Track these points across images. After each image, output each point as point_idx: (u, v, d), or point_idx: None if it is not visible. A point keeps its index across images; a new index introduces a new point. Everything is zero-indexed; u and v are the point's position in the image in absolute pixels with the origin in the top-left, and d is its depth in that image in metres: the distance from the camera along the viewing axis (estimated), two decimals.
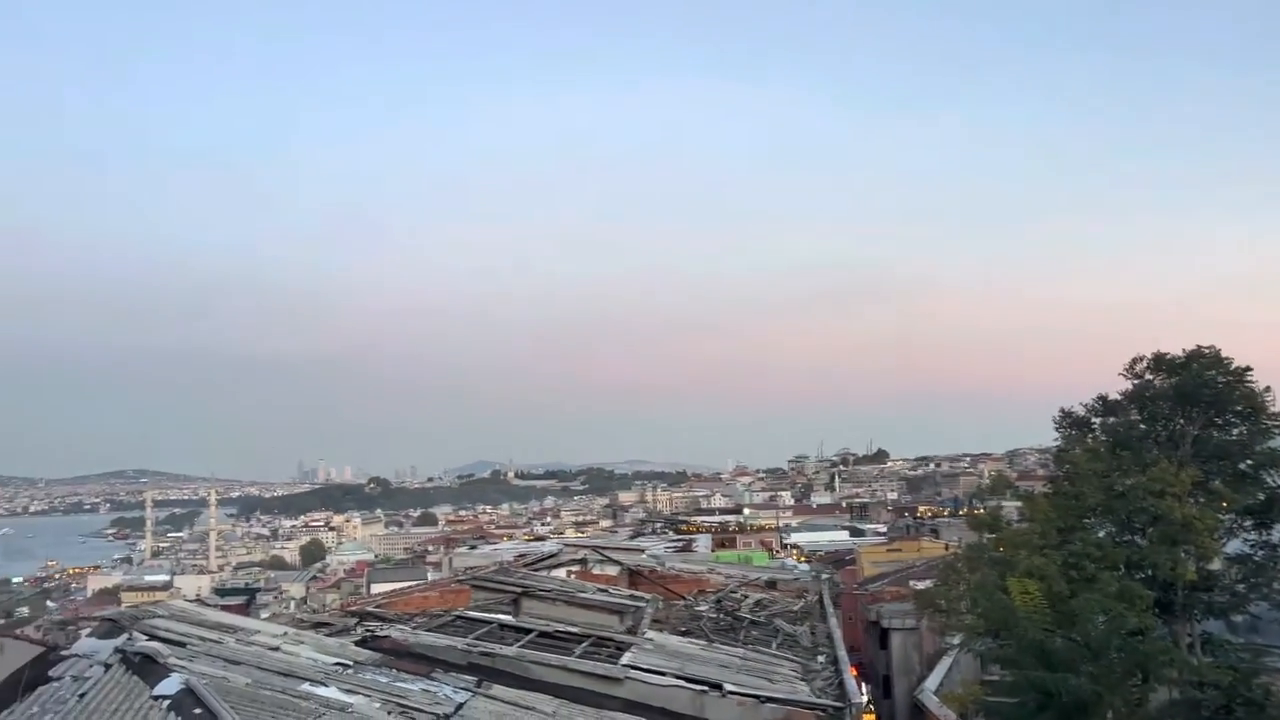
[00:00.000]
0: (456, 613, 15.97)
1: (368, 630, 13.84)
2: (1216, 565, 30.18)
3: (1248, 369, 31.17)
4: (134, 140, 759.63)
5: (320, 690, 9.40)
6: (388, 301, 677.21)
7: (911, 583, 37.78)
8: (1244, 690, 24.92)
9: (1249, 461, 31.07)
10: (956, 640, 28.24)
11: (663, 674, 12.66)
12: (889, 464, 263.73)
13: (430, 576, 55.14)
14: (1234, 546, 31.48)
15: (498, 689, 11.23)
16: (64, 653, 9.10)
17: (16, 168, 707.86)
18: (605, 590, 19.76)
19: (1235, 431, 31.40)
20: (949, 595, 28.51)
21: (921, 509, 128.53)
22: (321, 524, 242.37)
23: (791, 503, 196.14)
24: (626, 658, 13.32)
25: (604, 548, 30.23)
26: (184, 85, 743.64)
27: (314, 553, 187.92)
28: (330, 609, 22.96)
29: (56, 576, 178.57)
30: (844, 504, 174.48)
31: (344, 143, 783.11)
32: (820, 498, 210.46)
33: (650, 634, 16.05)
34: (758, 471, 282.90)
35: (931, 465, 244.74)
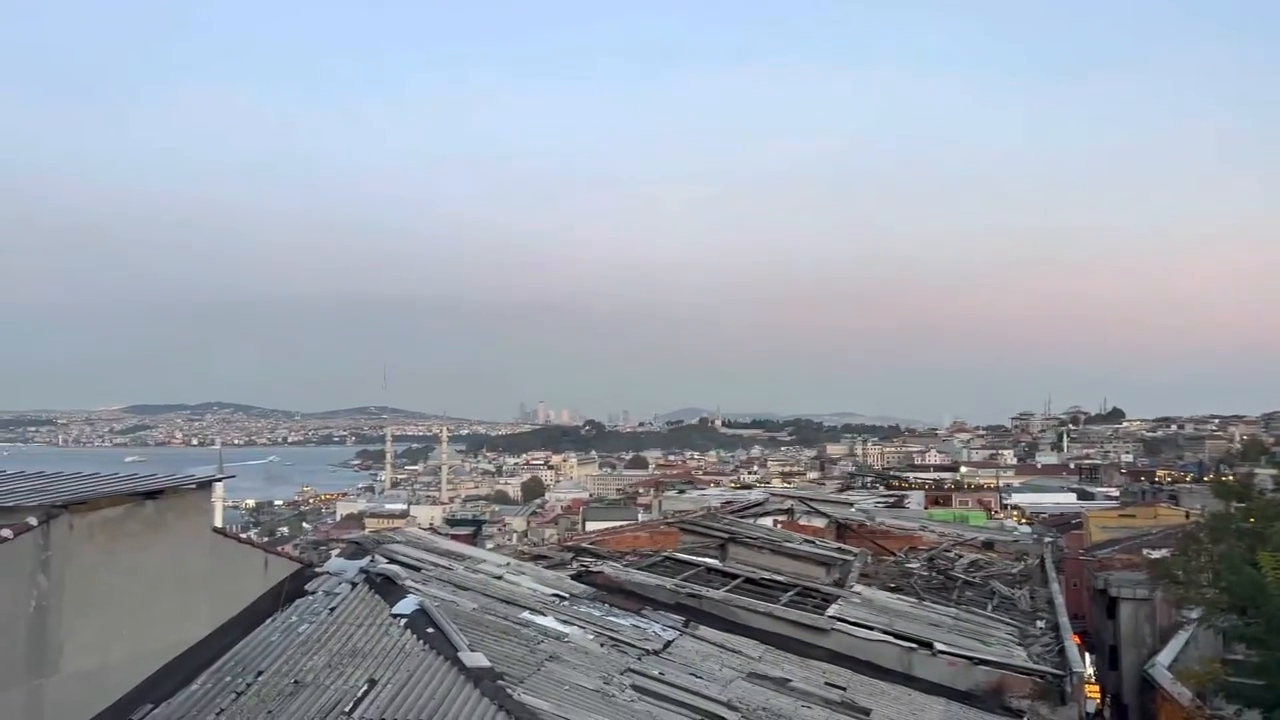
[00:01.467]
0: (666, 553, 16.43)
1: (582, 565, 14.50)
2: None
3: None
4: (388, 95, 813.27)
5: (539, 619, 9.98)
6: (606, 253, 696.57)
7: (1145, 551, 35.34)
8: None
9: None
10: (1195, 614, 26.27)
11: (870, 628, 12.54)
12: (1125, 424, 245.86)
13: (641, 518, 56.83)
14: None
15: (704, 630, 11.52)
16: (317, 570, 10.12)
17: (286, 114, 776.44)
18: (812, 541, 19.72)
19: None
20: (1189, 566, 26.55)
21: (1160, 473, 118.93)
22: (541, 463, 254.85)
23: (1014, 462, 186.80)
24: (833, 609, 13.28)
25: (811, 499, 30.09)
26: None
27: (534, 489, 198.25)
28: (548, 543, 24.19)
29: (310, 501, 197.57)
30: (1072, 465, 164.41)
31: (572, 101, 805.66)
32: (1046, 458, 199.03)
33: (858, 588, 15.91)
34: (977, 428, 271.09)
35: (1174, 427, 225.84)
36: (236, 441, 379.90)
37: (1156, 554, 32.14)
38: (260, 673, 7.53)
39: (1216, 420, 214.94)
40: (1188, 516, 42.92)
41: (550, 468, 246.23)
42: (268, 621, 8.64)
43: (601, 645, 9.75)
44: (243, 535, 21.39)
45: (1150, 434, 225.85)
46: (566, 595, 11.71)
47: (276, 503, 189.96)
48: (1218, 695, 23.88)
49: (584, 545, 18.75)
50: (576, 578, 13.22)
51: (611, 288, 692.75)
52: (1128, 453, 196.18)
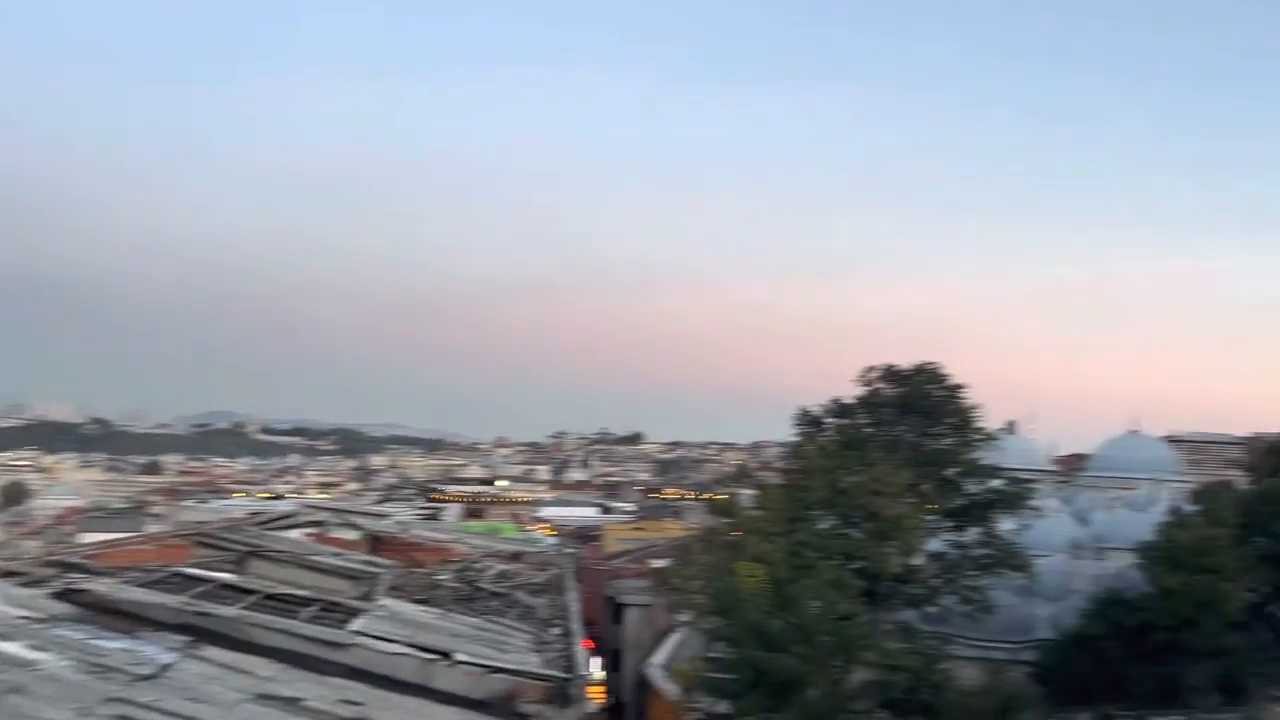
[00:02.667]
0: (175, 569, 14.93)
1: (68, 583, 12.67)
2: (918, 561, 33.45)
3: (963, 386, 34.70)
4: None
5: (1, 646, 8.52)
6: (122, 226, 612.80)
7: (651, 561, 39.15)
8: (928, 674, 27.81)
9: (955, 469, 34.64)
10: (686, 618, 29.65)
11: (392, 641, 12.44)
12: (643, 446, 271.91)
13: (151, 529, 51.25)
14: (935, 545, 35.02)
15: (212, 651, 10.62)
16: None
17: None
18: (341, 555, 19.14)
19: (946, 441, 34.90)
20: (683, 574, 29.85)
21: (669, 491, 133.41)
22: (27, 463, 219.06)
23: (547, 477, 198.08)
24: (356, 623, 12.97)
25: (345, 510, 29.26)
26: None
27: (14, 495, 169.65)
28: (28, 557, 20.81)
29: None
30: (597, 482, 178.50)
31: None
32: (576, 474, 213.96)
33: (385, 601, 15.71)
34: (518, 444, 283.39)
35: (683, 450, 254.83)
36: None
37: (659, 564, 35.79)
38: None
39: (716, 446, 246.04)
40: (687, 530, 48.39)
41: (40, 470, 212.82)
42: None
43: (82, 673, 8.57)
44: None
45: (664, 455, 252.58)
46: (43, 617, 10.14)
47: None
48: (699, 690, 27.17)
49: (73, 560, 16.39)
50: (59, 596, 11.50)
51: (132, 266, 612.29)
52: (645, 472, 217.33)
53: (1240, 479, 43.77)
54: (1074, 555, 45.90)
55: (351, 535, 24.85)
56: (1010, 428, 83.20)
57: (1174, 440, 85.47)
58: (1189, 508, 37.86)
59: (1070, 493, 74.16)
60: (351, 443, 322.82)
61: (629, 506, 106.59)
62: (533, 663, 13.55)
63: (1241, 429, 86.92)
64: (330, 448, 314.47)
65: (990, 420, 36.86)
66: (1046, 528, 52.63)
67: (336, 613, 13.62)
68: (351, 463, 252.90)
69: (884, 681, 26.45)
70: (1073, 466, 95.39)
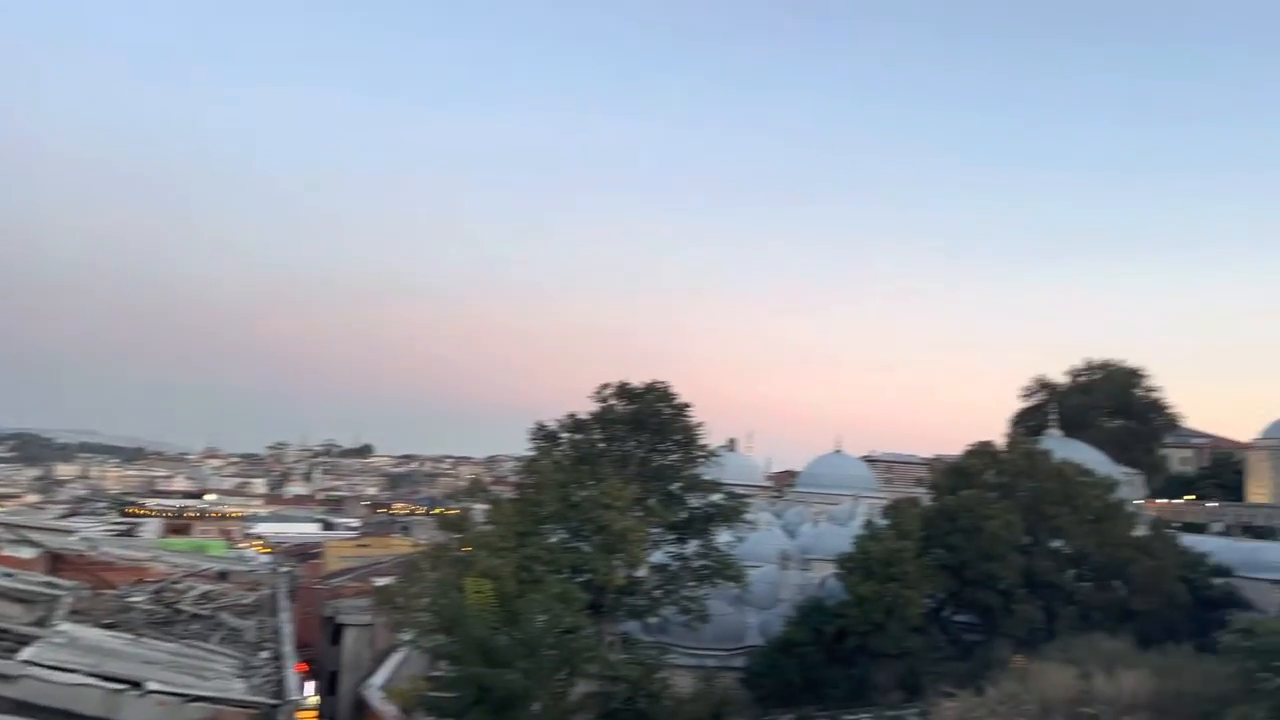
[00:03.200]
0: None
1: None
2: (642, 573, 34.54)
3: (689, 405, 36.36)
4: None
5: None
6: None
7: (374, 579, 37.79)
8: (647, 684, 28.72)
9: (679, 484, 36.16)
10: (409, 636, 28.81)
11: (72, 670, 11.14)
12: (373, 459, 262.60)
13: None
14: (658, 557, 36.32)
15: None
16: None
17: None
18: (11, 575, 16.96)
19: (672, 457, 36.38)
20: (409, 592, 29.04)
21: (399, 507, 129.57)
22: None
23: (264, 491, 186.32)
24: (28, 652, 11.52)
25: (20, 525, 25.98)
26: None
27: None
28: None
29: None
30: (320, 496, 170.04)
31: None
32: (297, 488, 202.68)
33: (65, 626, 14.09)
34: (231, 455, 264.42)
35: (415, 464, 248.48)
36: None
37: (383, 582, 34.59)
38: None
39: (451, 459, 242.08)
40: (414, 546, 47.17)
41: None
42: None
43: None
44: None
45: (395, 469, 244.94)
46: None
47: None
48: (419, 710, 26.43)
49: None
50: None
51: None
52: (374, 486, 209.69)
53: (925, 496, 48.70)
54: (782, 566, 49.13)
55: (27, 553, 22.07)
56: (731, 445, 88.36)
57: (871, 460, 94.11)
58: (881, 522, 41.55)
59: (781, 507, 79.68)
60: (35, 449, 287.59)
61: (354, 522, 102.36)
62: (237, 689, 12.64)
63: (928, 450, 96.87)
64: (8, 454, 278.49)
65: (713, 438, 38.89)
66: (759, 540, 56.12)
67: (5, 640, 12.06)
68: (33, 471, 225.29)
69: (605, 693, 27.01)
70: (784, 483, 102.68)
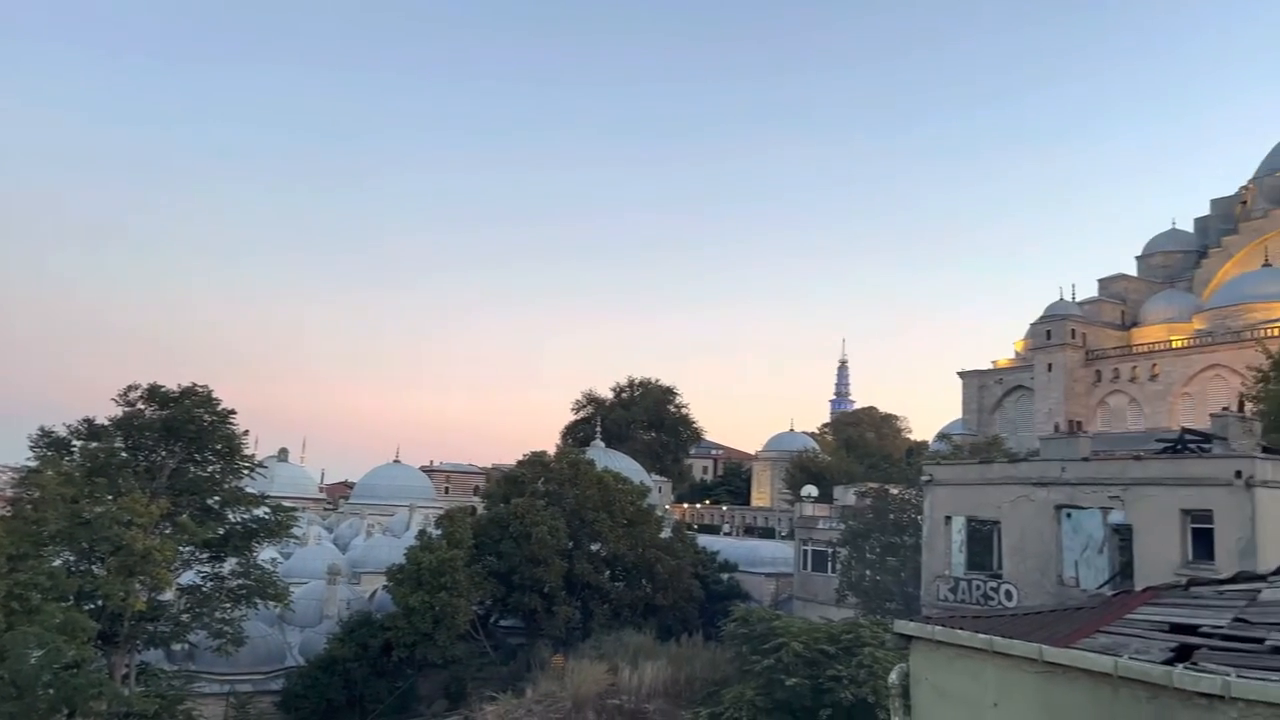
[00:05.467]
0: None
1: None
2: (168, 596, 31.29)
3: (232, 412, 33.69)
4: None
5: None
6: None
7: None
8: (167, 717, 26.03)
9: (217, 498, 33.33)
10: None
11: None
12: None
13: None
14: (188, 578, 33.15)
15: None
16: None
17: None
18: None
19: (211, 468, 33.44)
20: None
21: None
22: None
23: None
24: None
25: None
26: None
27: None
28: None
29: None
30: None
31: None
32: None
33: None
34: None
35: None
36: None
37: None
38: None
39: None
40: None
41: None
42: None
43: None
44: None
45: None
46: None
47: None
48: None
49: None
50: None
51: None
52: None
53: (480, 505, 49.75)
54: (331, 581, 47.44)
55: None
56: (283, 455, 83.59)
57: (430, 470, 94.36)
58: (435, 532, 41.75)
59: (335, 520, 76.99)
60: None
61: None
62: None
63: (489, 461, 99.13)
64: None
65: (262, 448, 36.47)
66: (307, 555, 53.79)
67: None
68: None
69: None
70: (339, 494, 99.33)
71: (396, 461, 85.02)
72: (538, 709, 31.38)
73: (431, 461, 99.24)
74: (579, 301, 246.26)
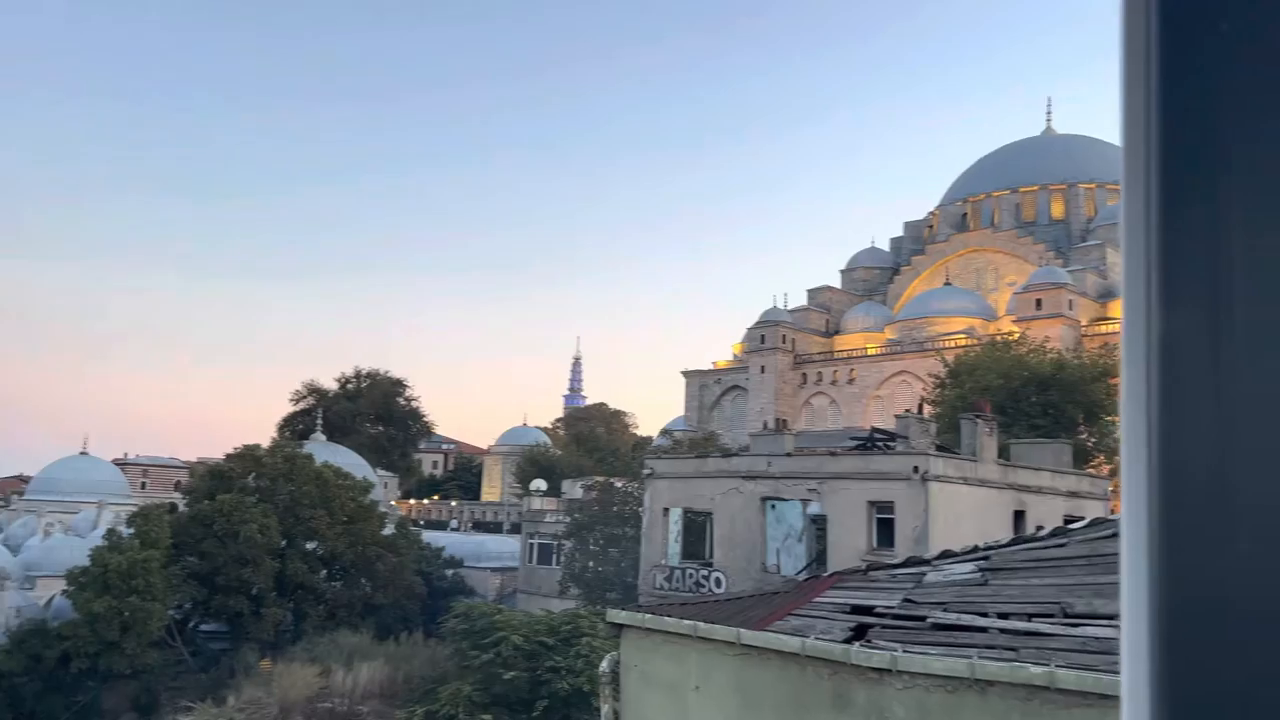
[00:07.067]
0: None
1: None
2: None
3: None
4: None
5: None
6: None
7: None
8: None
9: None
10: None
11: None
12: None
13: None
14: None
15: None
16: None
17: None
18: None
19: None
20: None
21: None
22: None
23: None
24: None
25: None
26: None
27: None
28: None
29: None
30: None
31: None
32: None
33: None
34: None
35: None
36: None
37: None
38: None
39: None
40: None
41: None
42: None
43: None
44: None
45: None
46: None
47: None
48: None
49: None
50: None
51: None
52: None
53: (181, 501, 45.95)
54: None
55: None
56: None
57: (124, 464, 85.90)
58: (126, 531, 38.12)
59: (7, 517, 68.17)
60: None
61: None
62: None
63: (194, 454, 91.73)
64: None
65: None
66: None
67: None
68: None
69: None
70: (13, 489, 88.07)
71: (84, 453, 76.64)
72: (240, 717, 29.41)
73: (126, 454, 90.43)
74: (300, 287, 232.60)
